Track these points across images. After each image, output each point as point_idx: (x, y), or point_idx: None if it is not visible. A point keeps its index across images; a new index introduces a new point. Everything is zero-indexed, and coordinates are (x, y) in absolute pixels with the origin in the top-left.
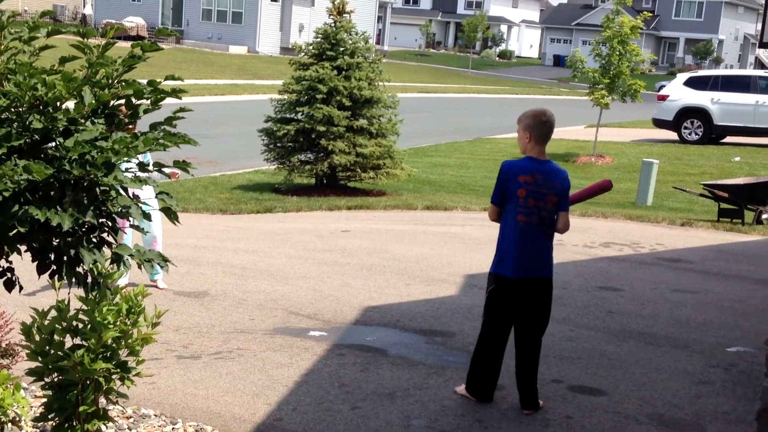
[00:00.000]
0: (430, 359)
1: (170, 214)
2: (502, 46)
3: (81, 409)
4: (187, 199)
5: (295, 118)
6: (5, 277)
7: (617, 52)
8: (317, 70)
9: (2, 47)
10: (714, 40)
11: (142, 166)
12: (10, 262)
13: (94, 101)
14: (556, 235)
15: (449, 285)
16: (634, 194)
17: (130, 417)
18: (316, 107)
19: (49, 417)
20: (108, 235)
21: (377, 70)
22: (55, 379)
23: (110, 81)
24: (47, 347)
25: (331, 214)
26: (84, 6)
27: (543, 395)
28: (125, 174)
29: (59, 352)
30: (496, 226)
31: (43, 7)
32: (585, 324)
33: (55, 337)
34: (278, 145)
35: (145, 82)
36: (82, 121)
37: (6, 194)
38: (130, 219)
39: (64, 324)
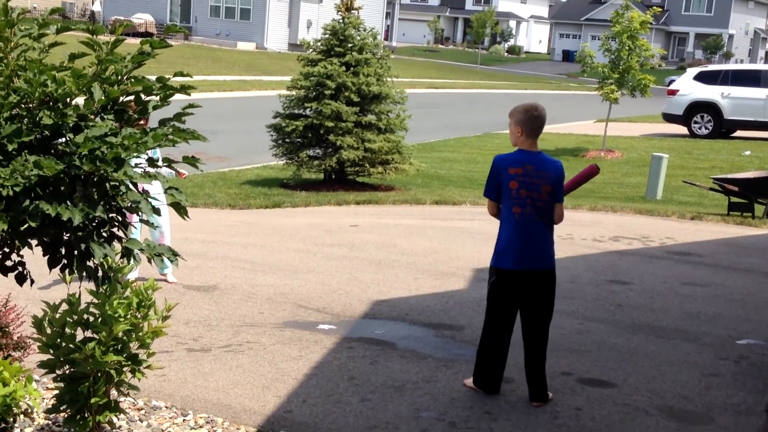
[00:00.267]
0: (439, 352)
1: (180, 209)
2: (511, 42)
3: (92, 400)
4: (197, 194)
5: (304, 113)
6: (17, 271)
7: (627, 47)
8: (326, 66)
9: (12, 44)
10: (724, 34)
11: (152, 162)
12: (22, 256)
13: (103, 97)
14: (566, 230)
15: (458, 279)
16: (644, 188)
17: (141, 409)
18: (324, 103)
19: (61, 409)
20: (118, 230)
21: (385, 66)
22: (67, 372)
23: (119, 77)
24: (59, 340)
25: (340, 209)
26: (93, 3)
27: (552, 388)
28: (135, 170)
29: (71, 345)
30: None
31: (52, 5)
32: (594, 317)
33: (67, 330)
34: (287, 140)
35: (154, 78)
36: (92, 117)
37: (17, 189)
38: (139, 214)
39: (76, 317)
